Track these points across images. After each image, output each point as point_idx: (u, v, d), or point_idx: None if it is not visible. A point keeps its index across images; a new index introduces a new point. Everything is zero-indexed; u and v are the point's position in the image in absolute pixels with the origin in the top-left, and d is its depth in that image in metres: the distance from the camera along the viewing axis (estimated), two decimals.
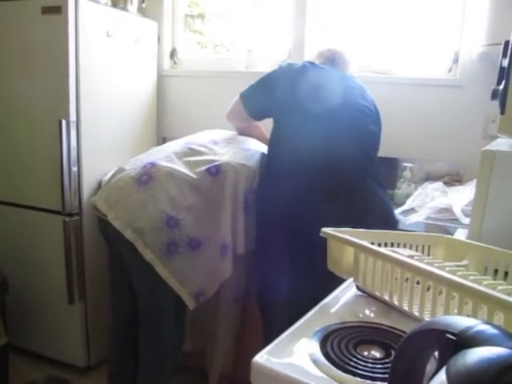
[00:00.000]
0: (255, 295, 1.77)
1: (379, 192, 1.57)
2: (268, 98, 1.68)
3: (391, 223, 1.56)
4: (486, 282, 0.69)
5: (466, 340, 0.33)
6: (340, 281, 1.01)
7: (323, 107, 1.55)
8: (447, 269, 0.74)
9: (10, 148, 2.04)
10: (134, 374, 1.66)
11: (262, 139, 1.87)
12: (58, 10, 1.79)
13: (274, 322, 1.65)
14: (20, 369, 2.08)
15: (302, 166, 1.52)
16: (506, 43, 1.13)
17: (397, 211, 1.67)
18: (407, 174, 1.91)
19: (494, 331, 0.33)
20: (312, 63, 1.69)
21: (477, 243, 0.96)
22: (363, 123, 1.59)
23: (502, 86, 1.10)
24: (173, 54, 2.57)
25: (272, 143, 1.69)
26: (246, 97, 1.75)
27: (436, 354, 0.38)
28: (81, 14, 1.84)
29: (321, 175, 1.50)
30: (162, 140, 2.52)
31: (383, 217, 1.54)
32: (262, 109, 1.73)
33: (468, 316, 0.65)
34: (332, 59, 1.76)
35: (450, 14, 2.02)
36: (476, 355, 0.31)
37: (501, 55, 1.16)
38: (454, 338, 0.34)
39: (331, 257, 0.95)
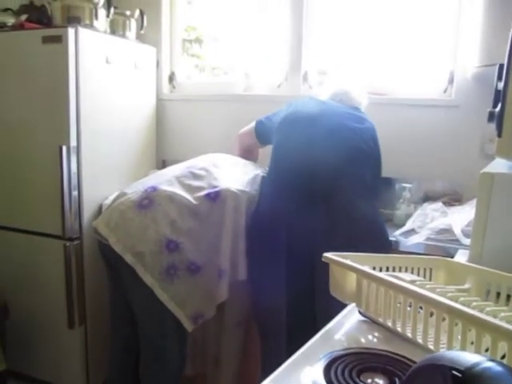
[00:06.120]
0: (253, 317, 1.77)
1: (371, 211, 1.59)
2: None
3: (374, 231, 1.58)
4: (488, 309, 0.69)
5: (472, 377, 0.33)
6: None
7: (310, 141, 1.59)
8: (449, 294, 0.74)
9: (10, 173, 2.06)
10: None
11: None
12: (58, 39, 1.82)
13: (271, 344, 1.65)
14: None
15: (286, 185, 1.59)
16: (501, 66, 1.15)
17: (397, 232, 1.68)
18: (406, 194, 1.91)
19: (499, 369, 0.33)
20: (314, 99, 1.77)
21: (477, 266, 0.96)
22: (351, 166, 1.60)
23: (498, 109, 1.11)
24: (171, 78, 2.60)
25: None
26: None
27: None
28: (81, 42, 1.87)
29: (303, 193, 1.55)
30: (162, 163, 2.53)
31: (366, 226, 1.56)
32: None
33: (472, 343, 0.65)
34: (335, 94, 1.81)
35: (443, 34, 2.06)
36: None
37: (496, 78, 1.18)
38: (459, 374, 0.34)
39: (334, 282, 0.95)
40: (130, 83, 2.26)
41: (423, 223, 1.63)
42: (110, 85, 2.10)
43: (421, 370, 0.40)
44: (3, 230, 2.10)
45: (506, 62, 1.07)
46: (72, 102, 1.89)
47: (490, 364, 0.34)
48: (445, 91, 2.06)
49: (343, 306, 0.99)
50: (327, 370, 0.78)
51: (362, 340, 0.88)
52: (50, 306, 2.06)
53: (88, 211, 2.03)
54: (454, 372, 0.34)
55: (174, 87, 2.62)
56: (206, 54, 2.70)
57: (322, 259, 0.95)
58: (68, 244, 1.96)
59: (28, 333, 2.13)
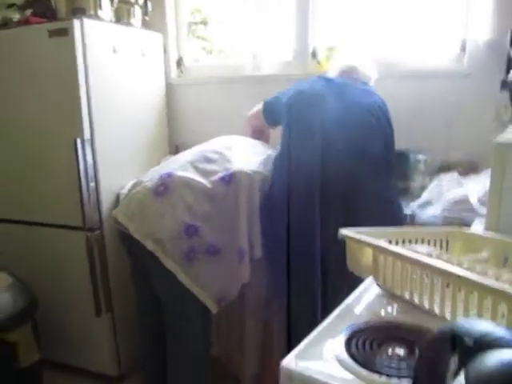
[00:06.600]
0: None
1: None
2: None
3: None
4: (504, 277, 0.70)
5: (484, 345, 0.34)
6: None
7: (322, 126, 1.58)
8: (465, 265, 0.75)
9: (28, 169, 2.09)
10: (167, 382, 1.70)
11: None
12: (64, 33, 1.83)
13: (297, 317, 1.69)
14: (54, 383, 2.13)
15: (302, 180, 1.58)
16: None
17: (413, 204, 1.68)
18: (421, 166, 1.90)
19: (509, 336, 0.34)
20: (322, 78, 1.75)
21: (493, 235, 0.96)
22: (362, 141, 1.60)
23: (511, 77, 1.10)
24: (179, 62, 2.60)
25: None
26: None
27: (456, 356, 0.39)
28: (87, 33, 1.87)
29: (318, 190, 1.56)
30: (175, 148, 2.55)
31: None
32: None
33: (488, 309, 0.66)
34: (343, 71, 1.81)
35: (455, 1, 2.01)
36: (494, 359, 0.32)
37: (508, 45, 1.17)
38: (472, 343, 0.35)
39: (350, 258, 0.96)
40: (139, 71, 2.26)
41: (439, 194, 1.62)
42: (118, 74, 2.11)
43: (436, 339, 0.41)
44: (26, 224, 2.15)
45: None
46: (82, 94, 1.90)
47: (501, 332, 0.35)
48: (457, 60, 2.02)
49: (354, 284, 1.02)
50: (349, 343, 0.80)
51: (382, 313, 0.90)
52: (77, 296, 2.12)
53: (106, 201, 2.06)
54: (467, 340, 0.36)
55: (182, 72, 2.61)
56: (212, 35, 2.68)
57: (338, 236, 0.97)
58: (89, 235, 2.00)
59: (58, 323, 2.20)
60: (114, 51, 2.06)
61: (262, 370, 1.95)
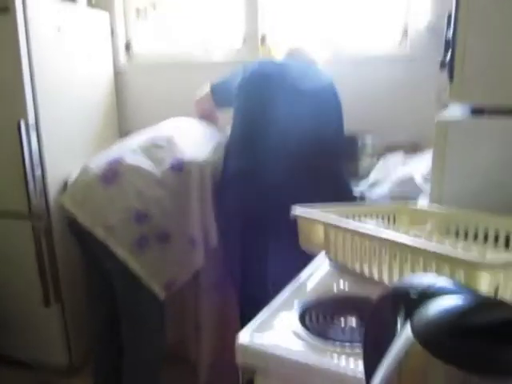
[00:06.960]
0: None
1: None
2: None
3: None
4: (447, 243, 0.74)
5: (428, 296, 0.37)
6: None
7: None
8: (411, 235, 0.79)
9: None
10: (121, 373, 1.67)
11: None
12: (5, 11, 1.74)
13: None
14: (5, 377, 2.06)
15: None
16: (449, 16, 1.19)
17: (361, 186, 1.73)
18: (368, 148, 1.96)
19: (451, 286, 0.37)
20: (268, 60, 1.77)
21: (437, 208, 1.01)
22: (315, 122, 1.61)
23: (448, 55, 1.15)
24: (128, 46, 2.53)
25: None
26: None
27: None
28: (29, 12, 1.79)
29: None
30: (125, 134, 2.48)
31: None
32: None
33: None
34: (290, 53, 1.81)
35: None
36: (436, 306, 0.34)
37: (445, 27, 1.22)
38: (416, 296, 0.37)
39: (302, 235, 0.99)
40: (86, 53, 2.19)
41: (386, 174, 1.68)
42: (64, 56, 2.03)
43: (383, 299, 0.43)
44: None
45: (453, 11, 1.10)
46: (26, 76, 1.82)
47: (443, 282, 0.37)
48: (399, 45, 2.08)
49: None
50: (303, 316, 0.82)
51: (334, 286, 0.93)
52: (25, 287, 2.05)
53: (54, 188, 1.99)
54: (412, 294, 0.38)
55: (131, 56, 2.55)
56: (161, 21, 2.62)
57: (290, 216, 0.99)
58: (36, 224, 1.93)
59: (6, 315, 2.12)
60: (59, 31, 1.98)
61: (217, 358, 1.96)
